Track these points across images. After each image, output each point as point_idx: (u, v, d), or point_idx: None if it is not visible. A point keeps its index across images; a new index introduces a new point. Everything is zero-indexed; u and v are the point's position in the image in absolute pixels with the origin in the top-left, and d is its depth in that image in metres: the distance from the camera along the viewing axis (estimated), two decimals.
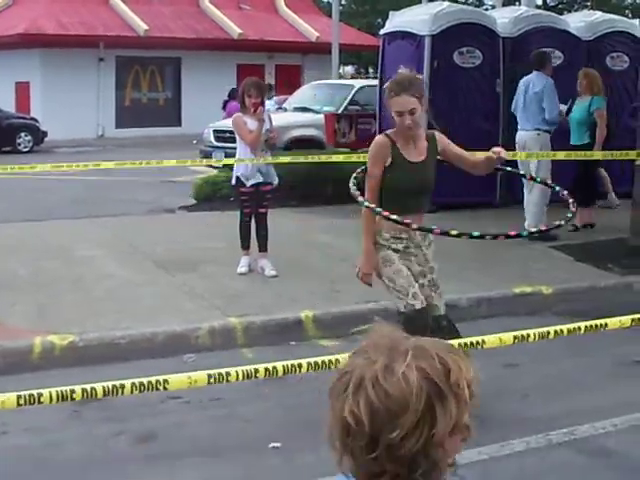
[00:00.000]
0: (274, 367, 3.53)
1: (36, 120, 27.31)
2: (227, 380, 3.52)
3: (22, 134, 26.27)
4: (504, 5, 22.38)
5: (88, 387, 3.30)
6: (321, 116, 16.99)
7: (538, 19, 13.38)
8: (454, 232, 4.82)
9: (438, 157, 5.56)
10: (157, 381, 3.38)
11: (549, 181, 7.05)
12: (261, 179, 8.82)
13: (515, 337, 3.94)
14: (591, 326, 4.04)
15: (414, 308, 5.37)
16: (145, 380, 3.37)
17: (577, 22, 13.77)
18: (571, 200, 5.26)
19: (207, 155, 17.01)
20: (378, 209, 5.13)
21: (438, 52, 12.20)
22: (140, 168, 11.15)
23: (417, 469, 1.57)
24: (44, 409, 5.15)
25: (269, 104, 18.74)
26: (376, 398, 1.54)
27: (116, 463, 5.13)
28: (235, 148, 9.17)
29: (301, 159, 10.60)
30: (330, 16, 24.76)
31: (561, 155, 10.06)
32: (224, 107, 20.39)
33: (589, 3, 38.46)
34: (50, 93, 30.76)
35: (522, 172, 6.13)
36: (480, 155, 5.61)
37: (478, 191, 11.98)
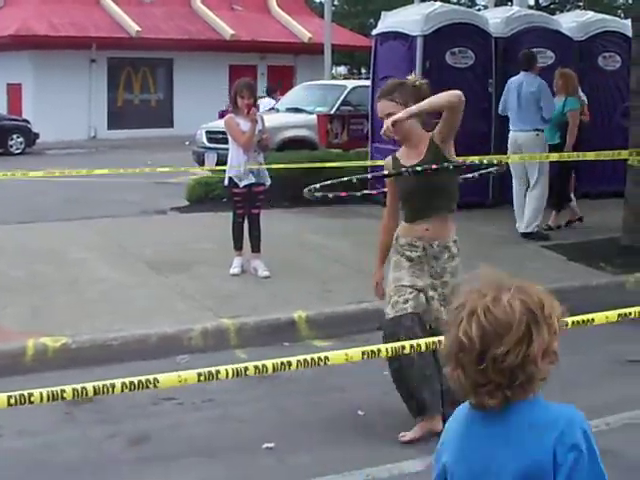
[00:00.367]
0: (264, 365, 3.56)
1: (28, 122, 27.24)
2: (217, 378, 3.55)
3: (14, 136, 26.18)
4: (496, 5, 22.42)
5: (79, 387, 3.35)
6: (313, 117, 16.99)
7: (530, 19, 13.41)
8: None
9: (447, 158, 5.34)
10: (147, 380, 3.44)
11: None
12: (254, 180, 8.81)
13: None
14: (577, 322, 4.10)
15: (386, 317, 5.33)
16: (135, 379, 3.42)
17: (569, 22, 13.81)
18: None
19: (200, 156, 17.00)
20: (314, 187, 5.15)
21: (430, 52, 12.21)
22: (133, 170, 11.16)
23: (515, 380, 2.01)
24: (37, 411, 5.15)
25: (267, 103, 18.74)
26: (486, 322, 2.00)
27: (110, 465, 5.13)
28: (228, 149, 9.15)
29: (295, 165, 10.59)
30: (322, 17, 24.78)
31: (555, 157, 10.08)
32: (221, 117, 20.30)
33: (581, 3, 38.53)
34: (42, 95, 30.69)
35: (491, 169, 6.03)
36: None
37: (470, 191, 11.98)
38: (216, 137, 16.18)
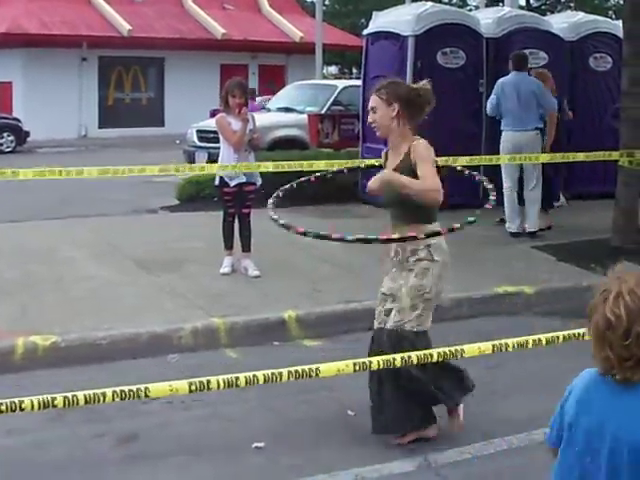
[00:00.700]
0: (254, 375, 3.65)
1: (19, 120, 27.21)
2: (208, 388, 3.68)
3: (4, 134, 26.16)
4: (487, 6, 22.49)
5: (70, 395, 3.38)
6: (304, 116, 17.00)
7: (521, 20, 13.42)
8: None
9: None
10: (138, 389, 3.49)
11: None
12: (244, 179, 8.81)
13: (494, 346, 4.05)
14: (569, 335, 4.18)
15: (412, 329, 5.22)
16: (126, 388, 3.47)
17: (560, 23, 13.83)
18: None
19: (190, 155, 16.99)
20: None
21: (421, 52, 12.21)
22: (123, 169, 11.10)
23: None
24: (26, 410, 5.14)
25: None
26: (631, 301, 2.35)
27: (99, 464, 5.12)
28: (218, 148, 9.15)
29: (285, 167, 10.57)
30: (314, 16, 24.81)
31: (546, 158, 10.11)
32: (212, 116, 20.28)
33: (572, 4, 38.64)
34: (32, 93, 30.63)
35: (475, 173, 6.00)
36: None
37: (459, 192, 11.98)
38: (207, 136, 16.18)
